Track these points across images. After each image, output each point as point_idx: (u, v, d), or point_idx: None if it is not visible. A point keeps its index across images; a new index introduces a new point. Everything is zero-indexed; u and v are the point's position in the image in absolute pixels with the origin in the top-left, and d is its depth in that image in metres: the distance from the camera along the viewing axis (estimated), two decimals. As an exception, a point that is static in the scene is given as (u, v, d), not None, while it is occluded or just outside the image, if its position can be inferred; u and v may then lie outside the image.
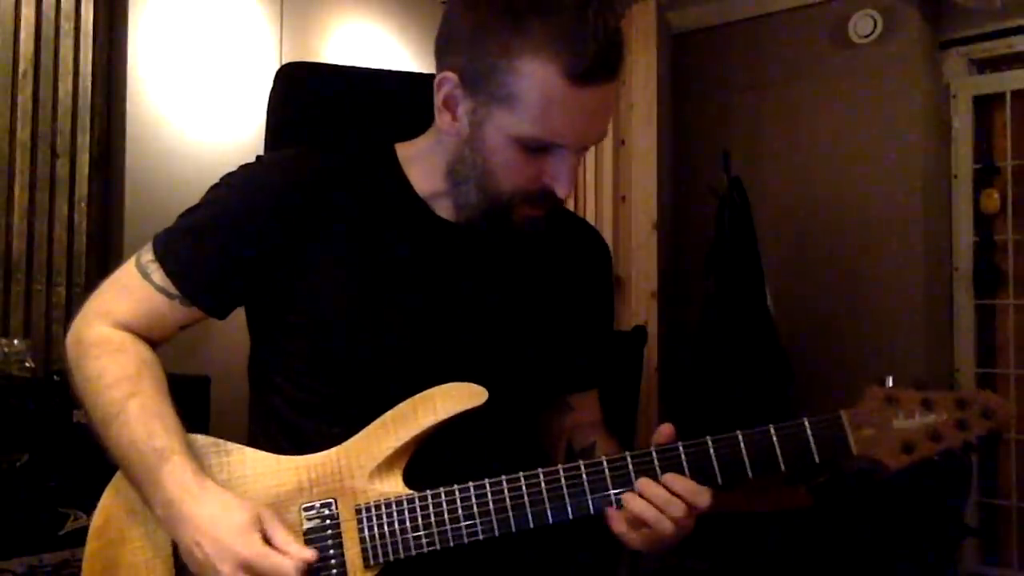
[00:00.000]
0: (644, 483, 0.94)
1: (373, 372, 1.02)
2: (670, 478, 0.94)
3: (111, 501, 1.02)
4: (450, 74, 0.97)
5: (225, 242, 1.02)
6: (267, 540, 0.91)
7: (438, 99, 1.00)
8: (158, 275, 1.02)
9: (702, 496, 0.93)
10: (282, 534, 0.92)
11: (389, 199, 1.06)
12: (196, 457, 0.97)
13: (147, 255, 1.03)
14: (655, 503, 0.93)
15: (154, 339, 1.05)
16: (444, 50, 1.00)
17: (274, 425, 1.07)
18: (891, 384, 0.98)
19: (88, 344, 1.02)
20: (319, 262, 1.02)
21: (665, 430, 0.98)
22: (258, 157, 1.10)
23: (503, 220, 1.02)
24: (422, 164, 1.07)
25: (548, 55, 0.90)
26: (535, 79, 0.92)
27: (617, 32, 0.93)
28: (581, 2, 0.91)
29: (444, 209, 1.06)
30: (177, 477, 0.93)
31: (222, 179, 1.07)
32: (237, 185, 1.05)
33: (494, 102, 0.95)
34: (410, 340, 1.02)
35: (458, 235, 1.06)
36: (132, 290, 1.03)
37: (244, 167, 1.08)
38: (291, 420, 1.05)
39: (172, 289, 1.02)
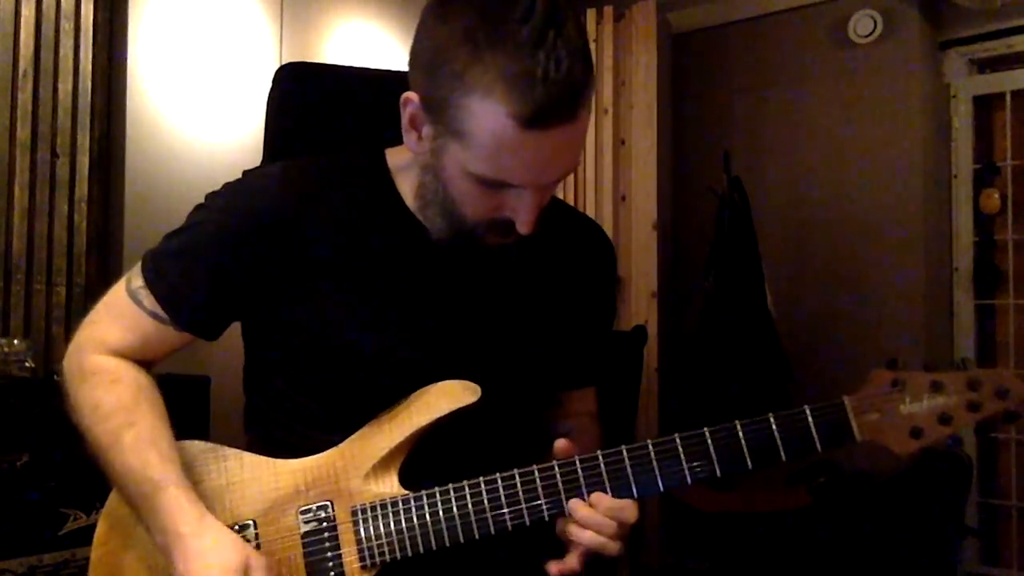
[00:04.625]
0: (573, 504, 0.95)
1: (372, 387, 1.01)
2: (596, 498, 0.95)
3: (106, 531, 1.03)
4: (413, 95, 0.94)
5: (214, 268, 1.01)
6: None
7: (404, 118, 0.96)
8: (148, 300, 1.02)
9: (628, 512, 0.95)
10: None
11: (380, 213, 1.04)
12: (191, 486, 0.96)
13: (137, 280, 1.03)
14: (585, 523, 0.95)
15: (149, 361, 1.05)
16: (411, 67, 0.95)
17: (271, 434, 1.06)
18: (900, 366, 0.94)
19: (84, 373, 1.01)
20: (312, 280, 1.01)
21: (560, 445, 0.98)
22: (244, 173, 1.08)
23: (473, 243, 0.99)
24: (409, 176, 1.04)
25: (498, 96, 0.85)
26: (485, 120, 0.86)
27: (572, 73, 0.85)
28: (537, 40, 0.84)
29: None
30: (173, 508, 0.93)
31: (207, 199, 1.05)
32: (223, 207, 1.03)
33: (449, 134, 0.91)
34: (409, 355, 1.01)
35: (450, 247, 1.03)
36: (124, 316, 1.03)
37: (229, 187, 1.05)
38: (289, 430, 1.05)
39: (163, 314, 1.02)
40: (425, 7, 0.94)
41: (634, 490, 0.96)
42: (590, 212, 3.24)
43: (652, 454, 0.96)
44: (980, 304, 3.10)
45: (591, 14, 3.31)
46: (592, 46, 3.25)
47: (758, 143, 3.33)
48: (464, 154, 0.90)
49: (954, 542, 2.70)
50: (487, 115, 0.86)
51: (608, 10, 3.29)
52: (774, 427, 0.95)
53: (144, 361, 1.04)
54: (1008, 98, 3.07)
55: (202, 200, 1.06)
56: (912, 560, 2.37)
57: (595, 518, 0.94)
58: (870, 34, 3.09)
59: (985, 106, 3.14)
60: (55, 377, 2.29)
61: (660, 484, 0.96)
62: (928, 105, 3.08)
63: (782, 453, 0.94)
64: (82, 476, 1.96)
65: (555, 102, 0.85)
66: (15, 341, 2.30)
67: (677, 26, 3.48)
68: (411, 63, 0.96)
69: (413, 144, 0.98)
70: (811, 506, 2.51)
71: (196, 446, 1.02)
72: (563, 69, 0.85)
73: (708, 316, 2.91)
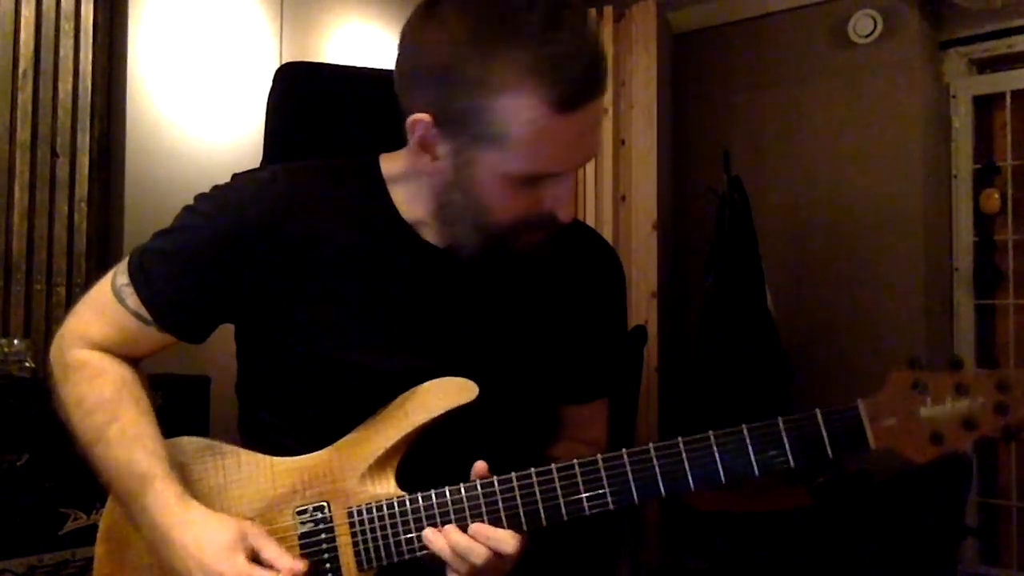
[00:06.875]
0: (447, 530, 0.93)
1: (367, 399, 1.01)
2: (475, 528, 0.92)
3: (109, 527, 1.03)
4: (423, 116, 0.91)
5: (200, 273, 1.00)
6: (255, 556, 0.91)
7: (412, 141, 0.94)
8: (132, 300, 1.01)
9: (505, 543, 0.91)
10: (271, 548, 0.92)
11: (375, 224, 1.03)
12: (178, 478, 0.96)
13: (122, 278, 1.02)
14: (456, 550, 0.92)
15: (134, 357, 1.04)
16: (407, 86, 0.93)
17: (265, 437, 1.05)
18: (923, 365, 0.86)
19: (68, 368, 1.01)
20: (300, 287, 1.00)
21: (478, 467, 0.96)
22: (233, 176, 1.07)
23: (504, 251, 0.99)
24: (406, 187, 1.03)
25: (530, 87, 0.85)
26: (521, 114, 0.86)
27: (595, 48, 0.88)
28: (552, 22, 0.84)
29: (431, 234, 1.03)
30: (161, 503, 0.93)
31: (196, 201, 1.04)
32: (212, 213, 1.01)
33: (479, 142, 0.89)
34: (405, 367, 1.00)
35: (447, 261, 1.02)
36: (107, 313, 1.02)
37: (218, 190, 1.04)
38: (281, 439, 1.04)
39: (146, 315, 1.01)
40: (404, 26, 0.92)
41: (635, 495, 0.93)
42: (590, 212, 3.25)
43: (654, 459, 0.93)
44: (980, 304, 3.10)
45: (591, 14, 3.31)
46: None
47: (758, 143, 3.33)
48: (500, 158, 0.89)
49: (954, 542, 2.70)
50: (522, 109, 0.86)
51: (608, 10, 3.29)
52: (783, 432, 0.91)
53: (128, 357, 1.04)
54: (1008, 98, 3.07)
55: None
56: (912, 560, 2.37)
57: (464, 544, 0.92)
58: (870, 34, 3.08)
59: (985, 106, 3.14)
60: (55, 377, 2.29)
61: (661, 489, 0.93)
62: (928, 105, 3.08)
63: (790, 460, 0.90)
64: (82, 476, 1.95)
65: (590, 78, 0.87)
66: (15, 341, 2.30)
67: (677, 26, 3.48)
68: (406, 83, 0.94)
69: (426, 166, 0.96)
70: (811, 506, 2.51)
71: (193, 443, 1.02)
72: (589, 45, 0.87)
73: (708, 316, 2.91)
